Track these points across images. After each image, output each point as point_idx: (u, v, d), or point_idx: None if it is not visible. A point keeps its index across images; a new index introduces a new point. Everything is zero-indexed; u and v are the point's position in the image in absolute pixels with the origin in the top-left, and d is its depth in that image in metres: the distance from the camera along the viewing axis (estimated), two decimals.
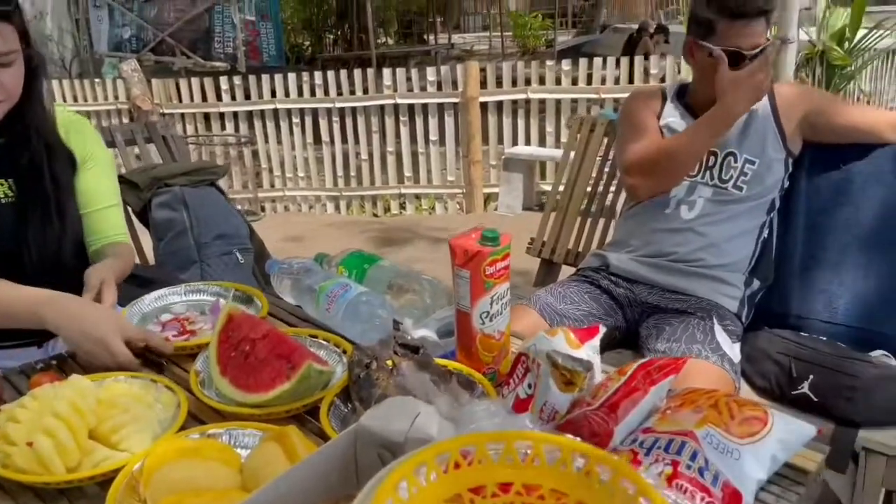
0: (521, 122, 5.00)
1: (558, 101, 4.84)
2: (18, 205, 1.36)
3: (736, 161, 1.66)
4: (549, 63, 5.01)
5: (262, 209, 5.44)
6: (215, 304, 1.30)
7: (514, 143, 5.03)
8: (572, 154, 2.26)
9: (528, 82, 4.93)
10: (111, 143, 2.07)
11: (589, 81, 4.79)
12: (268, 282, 1.40)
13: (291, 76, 5.20)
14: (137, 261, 2.09)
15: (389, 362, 1.05)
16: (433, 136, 5.07)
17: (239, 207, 5.21)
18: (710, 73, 1.62)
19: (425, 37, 15.17)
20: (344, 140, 5.25)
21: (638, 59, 4.70)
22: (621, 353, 1.69)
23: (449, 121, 5.01)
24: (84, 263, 1.38)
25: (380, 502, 0.59)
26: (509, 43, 14.10)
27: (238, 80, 5.35)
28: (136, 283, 1.48)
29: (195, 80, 5.44)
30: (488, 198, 5.22)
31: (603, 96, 4.72)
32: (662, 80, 4.61)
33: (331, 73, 5.14)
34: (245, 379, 1.01)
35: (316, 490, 0.73)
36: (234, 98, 5.34)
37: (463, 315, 1.06)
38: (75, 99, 5.74)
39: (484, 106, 4.99)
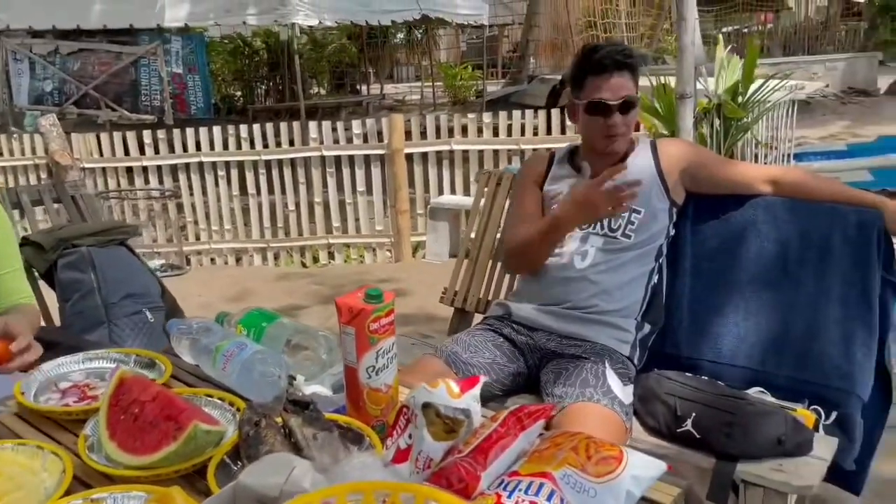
0: (446, 172, 5.13)
1: (481, 152, 4.99)
2: None
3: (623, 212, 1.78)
4: (470, 115, 5.18)
5: (188, 262, 5.37)
6: (114, 370, 1.31)
7: (440, 192, 5.15)
8: (481, 206, 2.35)
9: (451, 133, 5.08)
10: (17, 205, 2.05)
11: (509, 132, 4.97)
12: None
13: (217, 129, 5.21)
14: (43, 322, 2.07)
15: (279, 419, 1.08)
16: (360, 187, 5.15)
17: (163, 261, 5.15)
18: (587, 126, 1.78)
19: (358, 87, 15.39)
20: (271, 191, 5.27)
21: (556, 111, 4.91)
22: (524, 397, 1.76)
23: (376, 171, 5.10)
24: None
25: None
26: (440, 93, 14.43)
27: (162, 134, 5.33)
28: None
29: (117, 134, 5.39)
30: (417, 246, 5.30)
31: (522, 147, 4.90)
32: None
33: (257, 126, 5.18)
34: (133, 441, 1.03)
35: None
36: (157, 151, 5.31)
37: (350, 370, 1.11)
38: None
39: (410, 156, 5.11)
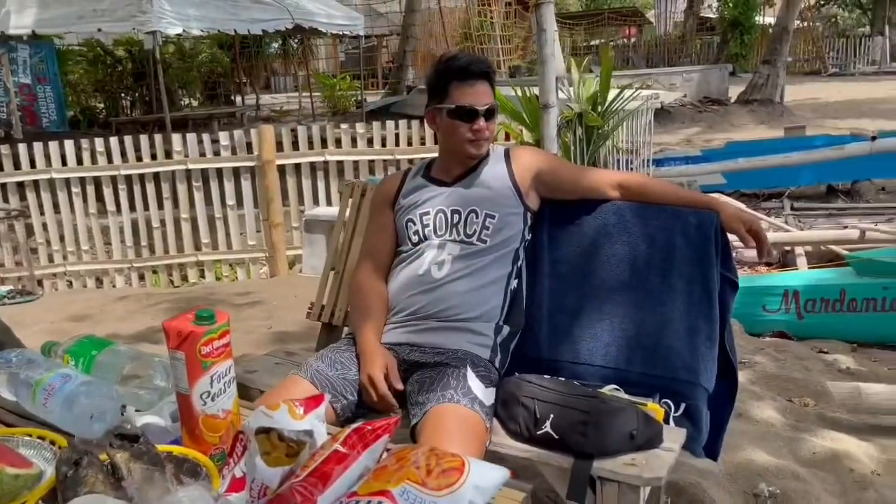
0: (321, 184, 5.04)
1: (356, 162, 4.95)
2: None
3: (478, 217, 1.80)
4: (343, 126, 5.12)
5: (41, 286, 4.96)
6: None
7: (316, 204, 5.05)
8: (347, 215, 2.31)
9: (324, 144, 5.01)
10: None
11: (384, 143, 4.96)
12: None
13: (69, 143, 4.86)
14: None
15: (104, 456, 1.00)
16: (230, 200, 4.96)
17: (11, 287, 4.73)
18: (451, 131, 1.79)
19: (232, 98, 14.90)
20: (133, 208, 4.98)
21: None
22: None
23: (246, 184, 4.94)
24: None
25: None
26: (320, 104, 14.24)
27: (6, 149, 4.91)
28: None
29: None
30: (294, 260, 5.17)
31: (398, 157, 4.90)
32: None
33: (114, 139, 4.88)
34: None
35: None
36: (1, 168, 4.88)
37: (183, 398, 1.04)
38: None
39: (283, 168, 4.98)
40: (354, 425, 0.99)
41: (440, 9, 14.71)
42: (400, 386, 1.66)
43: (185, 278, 5.10)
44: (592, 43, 23.56)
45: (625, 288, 1.88)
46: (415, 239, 1.85)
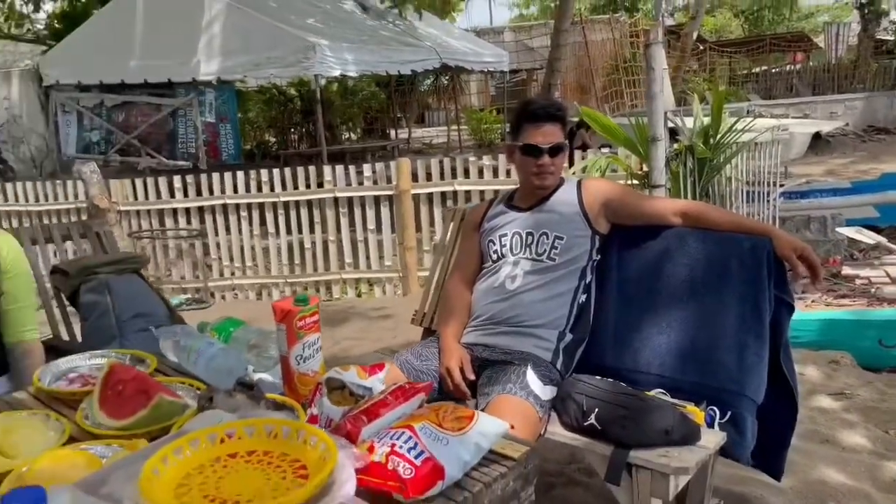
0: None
1: (482, 192, 5.33)
2: None
3: (548, 238, 2.09)
4: (471, 158, 5.54)
5: (212, 296, 5.77)
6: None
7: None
8: (448, 237, 2.67)
9: (455, 175, 5.44)
10: (49, 239, 2.45)
11: (509, 174, 5.30)
12: None
13: (240, 174, 5.66)
14: (66, 337, 2.44)
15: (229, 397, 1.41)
16: (370, 225, 5.51)
17: (188, 296, 5.56)
18: (521, 165, 2.10)
19: (387, 132, 15.98)
20: (289, 231, 5.68)
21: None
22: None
23: (385, 211, 5.47)
24: (2, 353, 1.83)
25: (161, 455, 0.94)
26: (467, 136, 14.92)
27: (190, 179, 5.80)
28: (56, 355, 1.83)
29: (150, 180, 5.88)
30: (425, 280, 5.61)
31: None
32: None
33: (276, 171, 5.62)
34: (115, 409, 1.36)
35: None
36: (186, 195, 5.78)
37: (284, 359, 1.43)
38: (37, 199, 6.14)
39: (417, 197, 5.47)
40: (399, 383, 1.33)
41: (586, 42, 14.91)
42: (472, 376, 1.98)
43: (330, 293, 5.70)
44: (754, 70, 22.60)
45: (682, 305, 2.08)
46: (494, 256, 2.17)
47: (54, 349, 1.92)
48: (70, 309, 2.45)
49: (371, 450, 1.15)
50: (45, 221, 5.99)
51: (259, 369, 1.55)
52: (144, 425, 1.33)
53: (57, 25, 11.54)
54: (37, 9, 11.78)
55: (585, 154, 5.20)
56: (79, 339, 2.38)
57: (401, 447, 1.14)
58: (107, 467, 1.04)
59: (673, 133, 4.31)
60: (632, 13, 21.37)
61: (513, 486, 1.22)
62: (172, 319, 2.50)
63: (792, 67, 23.67)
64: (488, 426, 1.23)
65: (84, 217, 5.62)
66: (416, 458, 1.13)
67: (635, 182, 4.09)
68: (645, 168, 4.16)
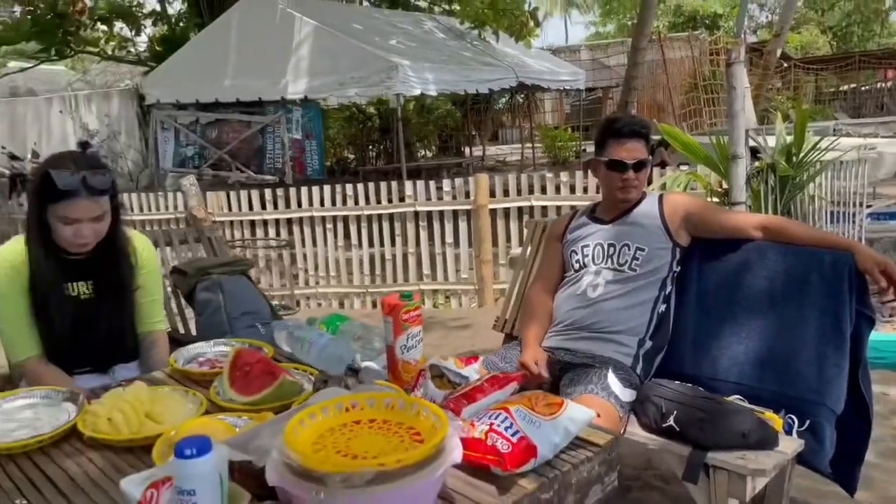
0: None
1: (559, 207, 5.43)
2: (95, 300, 1.96)
3: (629, 249, 2.20)
4: (548, 175, 5.65)
5: (298, 304, 6.06)
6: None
7: (521, 244, 5.60)
8: (529, 250, 2.80)
9: (531, 191, 5.57)
10: (168, 242, 2.72)
11: (585, 190, 5.39)
12: None
13: (327, 188, 5.96)
14: (182, 330, 2.69)
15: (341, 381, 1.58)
16: (449, 239, 5.69)
17: (276, 302, 5.86)
18: (606, 180, 2.22)
19: (462, 149, 16.24)
20: (371, 243, 5.92)
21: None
22: None
23: (462, 225, 5.64)
24: (134, 341, 2.03)
25: (299, 419, 1.11)
26: (541, 154, 15.01)
27: (280, 192, 6.13)
28: (176, 345, 2.06)
29: (243, 192, 6.25)
30: (500, 293, 5.74)
31: (597, 202, 5.28)
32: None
33: (360, 185, 5.88)
34: (244, 387, 1.55)
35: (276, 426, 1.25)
36: (276, 207, 6.11)
37: (389, 348, 1.59)
38: (140, 209, 6.61)
39: (494, 212, 5.62)
40: (493, 373, 1.47)
41: (664, 60, 14.80)
42: (546, 375, 2.08)
43: None
44: (842, 88, 21.83)
45: (761, 316, 2.14)
46: (576, 266, 2.28)
47: (174, 340, 2.16)
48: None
49: (472, 426, 1.29)
50: (147, 229, 6.44)
51: (364, 359, 1.71)
52: (270, 401, 1.52)
53: (157, 48, 12.34)
54: (138, 33, 12.64)
55: (664, 171, 5.24)
56: (193, 332, 2.63)
57: (498, 426, 1.27)
58: (251, 430, 1.22)
59: (754, 152, 4.31)
60: (712, 31, 21.05)
61: (598, 471, 1.34)
62: (275, 318, 2.72)
63: (882, 85, 22.72)
64: (577, 413, 1.35)
65: (183, 226, 6.01)
66: (512, 436, 1.26)
67: (715, 199, 4.11)
68: (725, 185, 4.18)
